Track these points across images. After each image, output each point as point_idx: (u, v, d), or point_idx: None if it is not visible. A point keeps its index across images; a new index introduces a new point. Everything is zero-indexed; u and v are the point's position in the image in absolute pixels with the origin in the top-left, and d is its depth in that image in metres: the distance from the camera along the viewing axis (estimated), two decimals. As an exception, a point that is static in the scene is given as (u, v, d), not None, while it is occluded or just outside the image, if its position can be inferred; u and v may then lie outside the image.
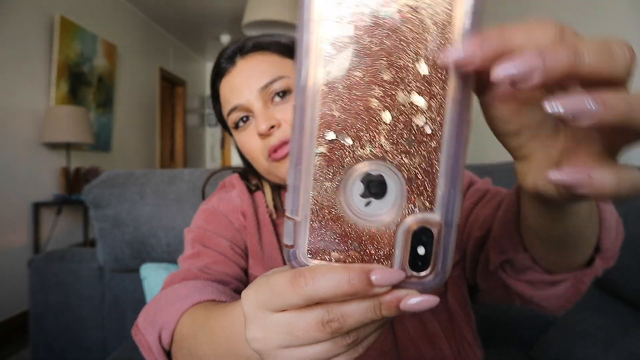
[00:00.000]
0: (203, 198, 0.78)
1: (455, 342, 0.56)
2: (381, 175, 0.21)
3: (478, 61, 0.18)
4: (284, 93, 0.57)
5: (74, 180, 2.83)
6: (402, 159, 0.20)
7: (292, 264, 0.22)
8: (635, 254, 0.77)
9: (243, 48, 0.60)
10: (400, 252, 0.21)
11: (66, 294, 1.07)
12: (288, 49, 0.60)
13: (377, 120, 0.20)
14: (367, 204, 0.21)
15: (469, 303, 0.60)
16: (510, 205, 0.43)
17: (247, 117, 0.59)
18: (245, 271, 0.61)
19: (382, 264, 0.21)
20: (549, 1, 2.03)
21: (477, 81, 0.20)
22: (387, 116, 0.20)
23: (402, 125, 0.20)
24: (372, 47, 0.20)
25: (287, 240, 0.21)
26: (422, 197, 0.21)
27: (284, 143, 0.55)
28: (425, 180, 0.20)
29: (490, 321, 0.95)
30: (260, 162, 0.59)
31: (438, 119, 0.20)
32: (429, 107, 0.20)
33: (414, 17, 0.19)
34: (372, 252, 0.21)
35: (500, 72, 0.17)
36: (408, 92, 0.20)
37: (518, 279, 0.45)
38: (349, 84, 0.20)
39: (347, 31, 0.20)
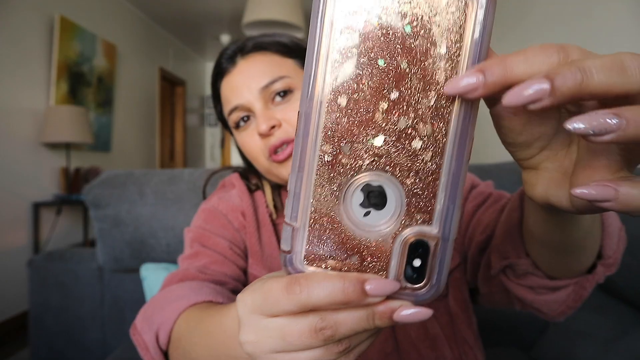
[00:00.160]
0: (204, 198, 0.78)
1: (456, 345, 0.56)
2: (381, 186, 0.21)
3: (482, 92, 0.18)
4: (284, 93, 0.57)
5: (74, 180, 2.83)
6: (403, 171, 0.21)
7: (288, 269, 0.22)
8: (635, 254, 0.77)
9: (244, 48, 0.60)
10: (396, 264, 0.21)
11: (66, 294, 1.07)
12: (288, 49, 0.60)
13: (380, 133, 0.20)
14: (366, 214, 0.21)
15: (471, 306, 0.60)
16: (513, 211, 0.43)
17: (248, 117, 0.59)
18: (245, 271, 0.61)
19: (378, 274, 0.21)
20: (550, 1, 2.03)
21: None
22: (390, 129, 0.20)
23: (405, 139, 0.20)
24: (380, 60, 0.20)
25: (284, 246, 0.22)
26: (421, 210, 0.21)
27: (285, 142, 0.55)
28: (425, 194, 0.21)
29: (490, 321, 0.95)
30: (261, 162, 0.59)
31: (442, 134, 0.20)
32: (433, 122, 0.20)
33: (424, 33, 0.20)
34: (368, 261, 0.21)
35: (510, 99, 0.18)
36: (413, 106, 0.20)
37: (519, 284, 0.45)
38: (355, 95, 0.20)
39: (356, 42, 0.20)
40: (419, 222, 0.21)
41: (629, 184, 0.18)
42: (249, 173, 0.69)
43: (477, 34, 0.19)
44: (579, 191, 0.19)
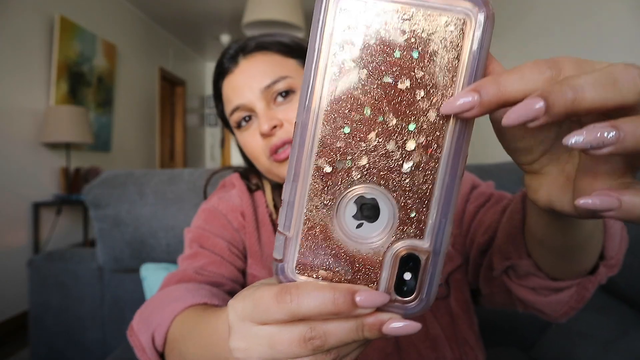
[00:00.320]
0: (204, 197, 0.78)
1: (457, 346, 0.56)
2: (374, 199, 0.21)
3: (477, 111, 0.19)
4: (286, 93, 0.57)
5: (74, 180, 2.83)
6: (396, 185, 0.21)
7: (279, 278, 0.22)
8: (637, 254, 0.77)
9: (245, 48, 0.60)
10: (386, 276, 0.21)
11: (66, 294, 1.07)
12: (290, 49, 0.60)
13: (376, 146, 0.21)
14: (359, 226, 0.21)
15: (472, 306, 0.60)
16: (515, 213, 0.43)
17: (250, 117, 0.59)
18: (243, 272, 0.61)
19: (368, 286, 0.22)
20: (549, 2, 2.03)
21: None
22: (386, 143, 0.20)
23: (400, 153, 0.21)
24: (377, 76, 0.20)
25: (276, 254, 0.22)
26: (413, 224, 0.21)
27: (286, 142, 0.56)
28: (418, 208, 0.21)
29: (490, 321, 0.95)
30: (262, 161, 0.59)
31: (436, 150, 0.20)
32: (429, 138, 0.20)
33: (422, 50, 0.20)
34: (359, 273, 0.22)
35: (508, 120, 0.18)
36: (408, 122, 0.20)
37: (521, 285, 0.45)
38: (351, 109, 0.20)
39: (355, 57, 0.20)
40: (411, 235, 0.21)
41: (632, 193, 0.18)
42: (250, 173, 0.69)
43: (474, 53, 0.20)
44: (582, 202, 0.19)
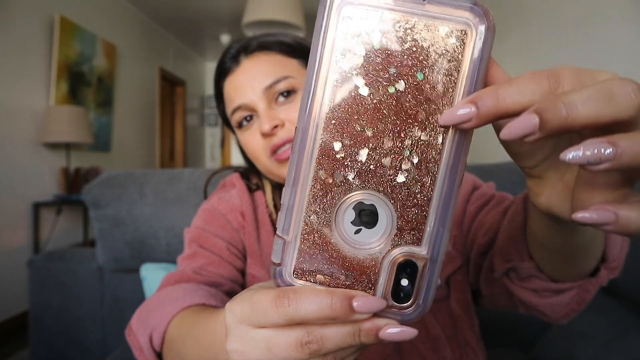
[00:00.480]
0: (205, 197, 0.78)
1: (458, 347, 0.56)
2: (373, 205, 0.21)
3: (475, 123, 0.19)
4: (288, 93, 0.57)
5: (74, 180, 2.83)
6: (395, 192, 0.21)
7: (277, 282, 0.22)
8: (636, 254, 0.77)
9: (247, 48, 0.60)
10: (383, 282, 0.22)
11: (66, 294, 1.07)
12: (292, 49, 0.60)
13: (375, 153, 0.21)
14: (357, 231, 0.22)
15: (473, 307, 0.59)
16: (516, 214, 0.43)
17: (251, 117, 0.59)
18: (242, 272, 0.61)
19: (366, 291, 0.22)
20: (550, 5, 2.03)
21: None
22: (385, 151, 0.21)
23: (399, 161, 0.21)
24: (379, 83, 0.20)
25: (274, 258, 0.22)
26: (411, 231, 0.21)
27: (287, 142, 0.56)
28: (416, 216, 0.21)
29: (491, 321, 0.95)
30: (262, 161, 0.59)
31: (435, 159, 0.21)
32: (428, 147, 0.21)
33: (423, 60, 0.20)
34: (357, 278, 0.22)
35: (505, 135, 0.18)
36: (408, 130, 0.20)
37: (522, 286, 0.45)
38: (352, 116, 0.21)
39: (356, 65, 0.20)
40: (409, 242, 0.21)
41: (628, 208, 0.18)
42: (250, 173, 0.69)
43: (475, 63, 0.20)
44: (580, 215, 0.19)
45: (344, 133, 0.21)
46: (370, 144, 0.21)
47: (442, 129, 0.20)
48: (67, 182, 2.79)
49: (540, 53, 2.10)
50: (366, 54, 0.20)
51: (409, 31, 0.20)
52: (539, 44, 2.11)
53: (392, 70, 0.20)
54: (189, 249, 0.60)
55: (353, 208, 0.21)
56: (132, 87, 3.95)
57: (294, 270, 0.22)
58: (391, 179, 0.21)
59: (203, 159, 6.20)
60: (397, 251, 0.21)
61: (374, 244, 0.22)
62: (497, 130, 0.23)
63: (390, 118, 0.20)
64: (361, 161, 0.21)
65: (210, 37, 5.06)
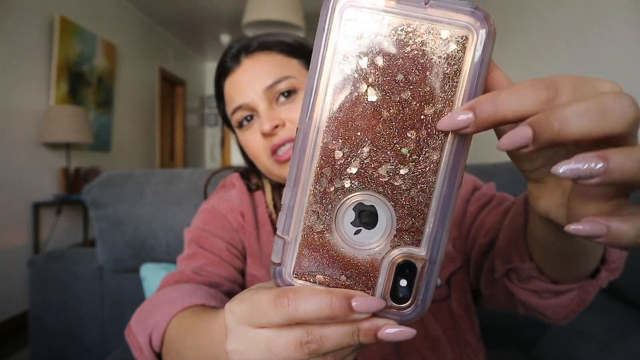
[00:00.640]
0: (205, 197, 0.78)
1: (458, 347, 0.56)
2: (373, 206, 0.21)
3: (473, 129, 0.19)
4: (288, 93, 0.57)
5: (74, 180, 2.83)
6: (395, 194, 0.21)
7: (277, 281, 0.23)
8: (636, 254, 0.77)
9: (248, 47, 0.60)
10: (383, 282, 0.22)
11: (66, 294, 1.07)
12: (293, 49, 0.60)
13: (375, 155, 0.21)
14: (357, 232, 0.22)
15: (473, 308, 0.59)
16: (517, 215, 0.43)
17: (252, 117, 0.59)
18: (242, 272, 0.61)
19: (365, 291, 0.22)
20: (551, 7, 2.03)
21: None
22: (385, 153, 0.21)
23: (399, 163, 0.21)
24: (380, 86, 0.20)
25: (274, 258, 0.22)
26: (410, 232, 0.22)
27: (287, 141, 0.56)
28: (416, 217, 0.21)
29: (491, 321, 0.95)
30: (263, 161, 0.59)
31: (435, 162, 0.21)
32: (427, 150, 0.21)
33: (424, 64, 0.20)
34: (356, 279, 0.22)
35: (502, 146, 0.19)
36: (408, 133, 0.21)
37: (523, 287, 0.45)
38: (352, 119, 0.21)
39: (358, 68, 0.20)
40: (408, 243, 0.22)
41: (620, 220, 0.18)
42: (250, 173, 0.69)
43: (475, 68, 0.20)
44: (573, 227, 0.19)
45: (345, 135, 0.21)
46: (371, 146, 0.21)
47: (442, 133, 0.21)
48: (67, 182, 2.79)
49: (540, 57, 2.10)
50: (368, 57, 0.20)
51: (410, 35, 0.20)
52: (539, 48, 2.11)
53: (393, 73, 0.20)
54: (189, 249, 0.60)
55: (353, 209, 0.22)
56: (132, 87, 3.95)
57: (293, 271, 0.22)
58: (391, 180, 0.21)
59: (203, 159, 6.20)
60: (396, 252, 0.22)
61: (374, 244, 0.22)
62: (499, 134, 0.23)
63: (391, 121, 0.21)
64: (361, 163, 0.21)
65: (210, 37, 5.06)
